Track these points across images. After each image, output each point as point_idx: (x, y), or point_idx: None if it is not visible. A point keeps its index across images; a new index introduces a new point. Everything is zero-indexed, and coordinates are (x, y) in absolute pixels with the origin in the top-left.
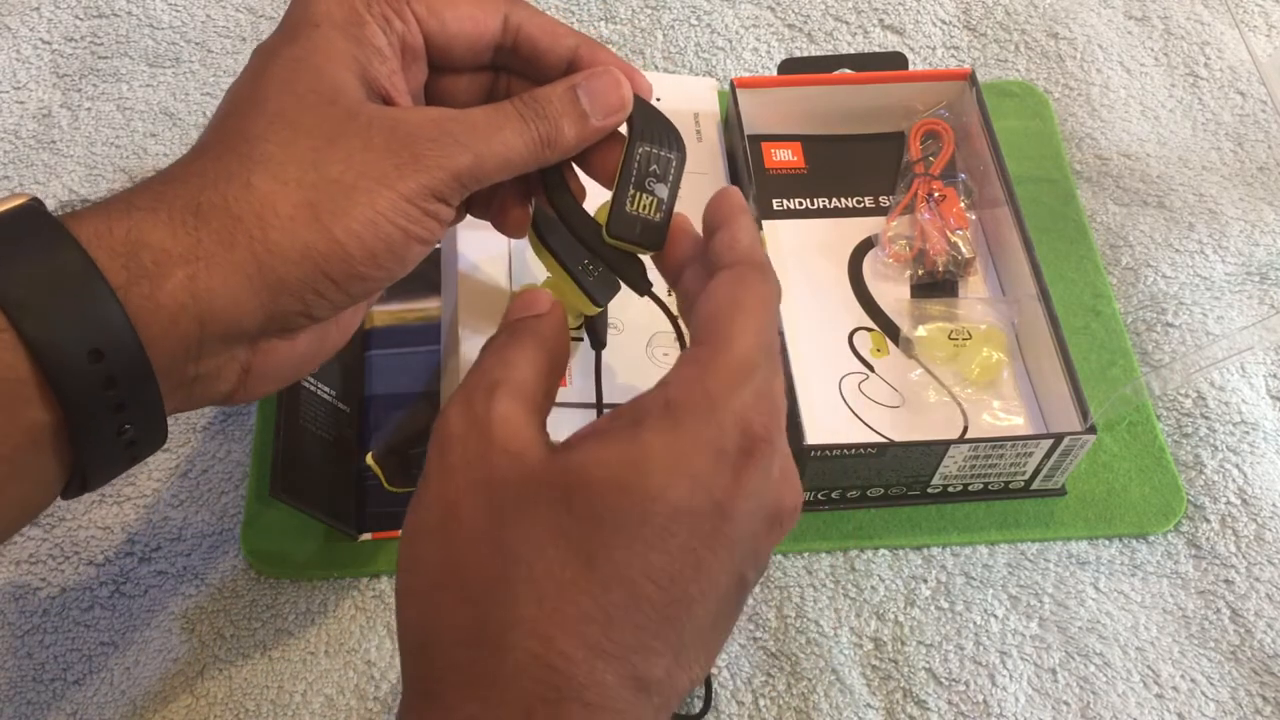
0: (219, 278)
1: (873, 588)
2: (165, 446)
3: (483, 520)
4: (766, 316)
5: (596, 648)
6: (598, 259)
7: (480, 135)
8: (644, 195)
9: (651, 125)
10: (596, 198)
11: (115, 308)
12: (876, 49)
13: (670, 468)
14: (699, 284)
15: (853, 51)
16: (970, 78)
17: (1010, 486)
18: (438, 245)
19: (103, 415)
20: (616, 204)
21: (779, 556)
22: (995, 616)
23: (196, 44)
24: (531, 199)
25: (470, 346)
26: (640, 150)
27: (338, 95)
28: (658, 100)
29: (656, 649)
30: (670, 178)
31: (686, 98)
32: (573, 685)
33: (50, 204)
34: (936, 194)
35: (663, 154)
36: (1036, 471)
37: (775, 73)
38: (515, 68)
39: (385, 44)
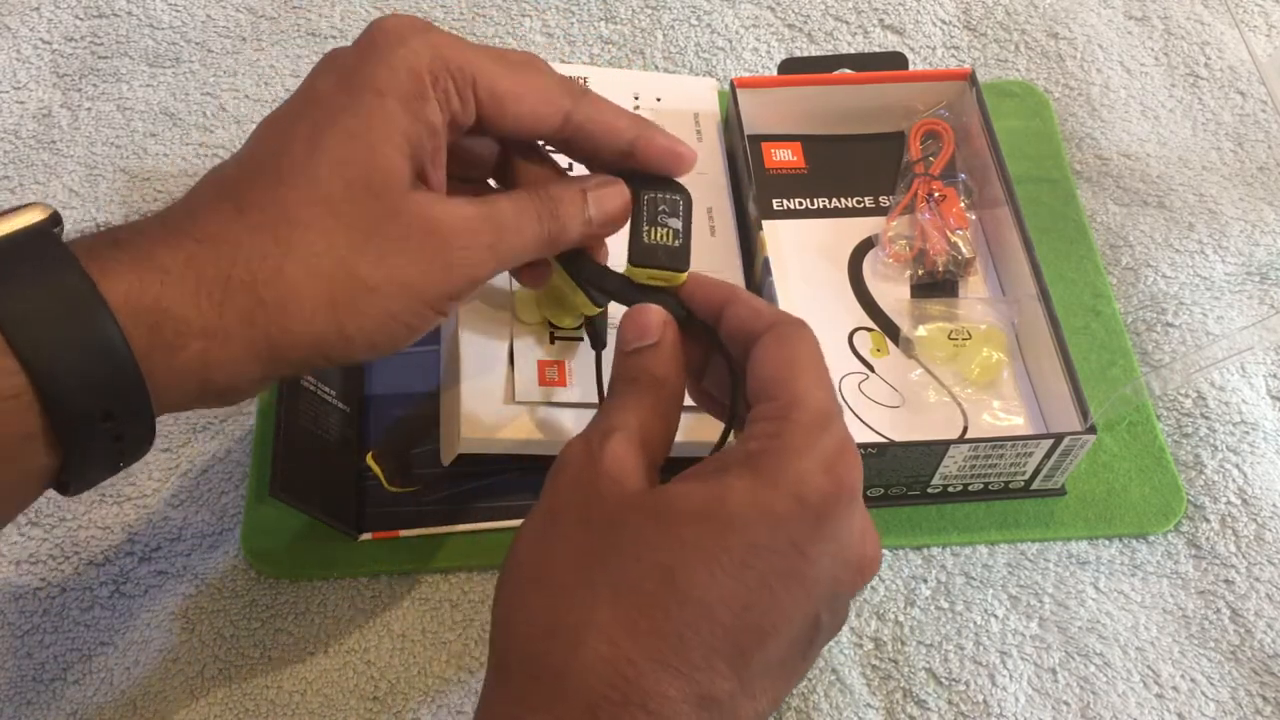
0: (231, 353)
1: (873, 588)
2: (165, 446)
3: (578, 529)
4: (824, 369)
5: (663, 661)
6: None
7: (508, 237)
8: (658, 229)
9: (655, 180)
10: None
11: (135, 377)
12: (876, 49)
13: (750, 506)
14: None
15: (853, 51)
16: (970, 78)
17: (1010, 486)
18: None
19: (105, 456)
20: (634, 239)
21: None
22: (995, 616)
23: (196, 44)
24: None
25: (470, 347)
26: (647, 197)
27: (385, 187)
28: (658, 100)
29: (723, 671)
30: (680, 213)
31: (686, 98)
32: (637, 692)
33: (50, 204)
34: (936, 194)
35: (669, 196)
36: (1036, 471)
37: (775, 73)
38: (564, 151)
39: (439, 121)
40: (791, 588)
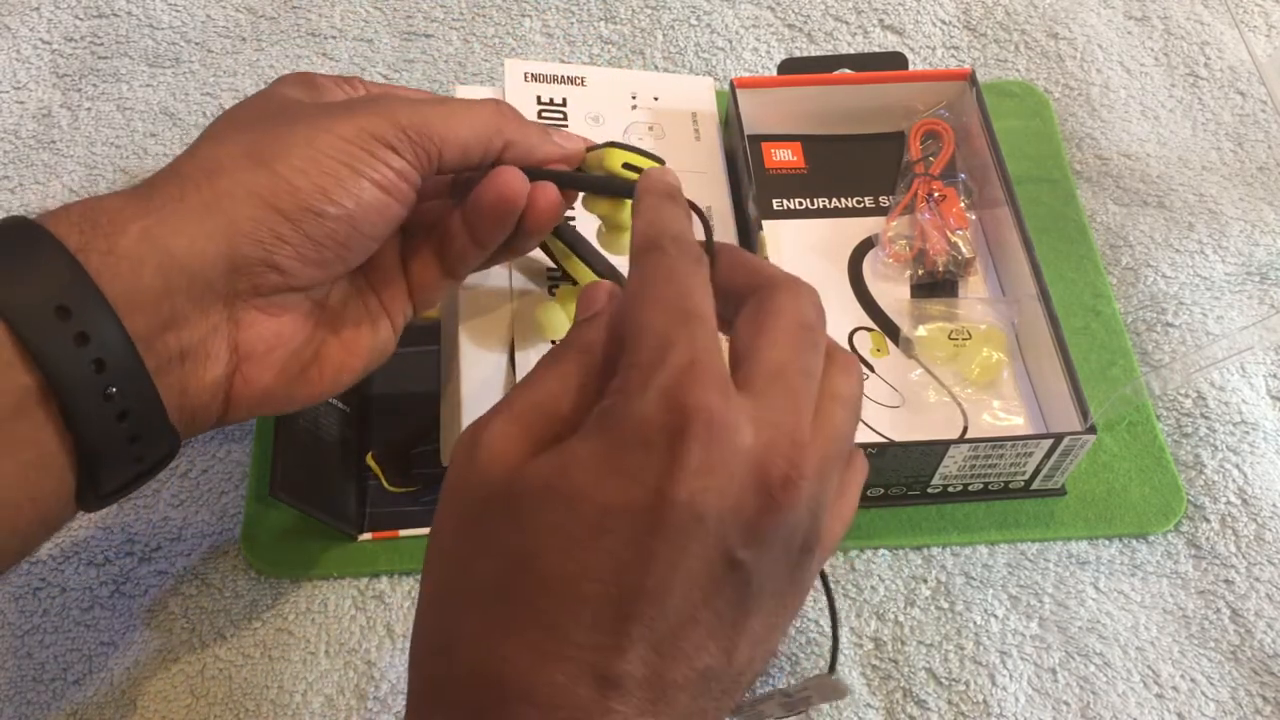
0: (173, 224)
1: (873, 588)
2: None
3: (449, 538)
4: (787, 330)
5: (540, 650)
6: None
7: (423, 101)
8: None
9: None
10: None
11: (72, 262)
12: (876, 49)
13: (597, 468)
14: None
15: (853, 51)
16: (970, 78)
17: (1010, 486)
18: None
19: (84, 374)
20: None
21: None
22: (995, 616)
23: (196, 44)
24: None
25: (470, 346)
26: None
27: (283, 96)
28: (655, 99)
29: (621, 645)
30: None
31: (684, 97)
32: (518, 688)
33: (50, 205)
34: (936, 194)
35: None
36: (1036, 471)
37: (775, 73)
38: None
39: (336, 91)
40: (670, 537)
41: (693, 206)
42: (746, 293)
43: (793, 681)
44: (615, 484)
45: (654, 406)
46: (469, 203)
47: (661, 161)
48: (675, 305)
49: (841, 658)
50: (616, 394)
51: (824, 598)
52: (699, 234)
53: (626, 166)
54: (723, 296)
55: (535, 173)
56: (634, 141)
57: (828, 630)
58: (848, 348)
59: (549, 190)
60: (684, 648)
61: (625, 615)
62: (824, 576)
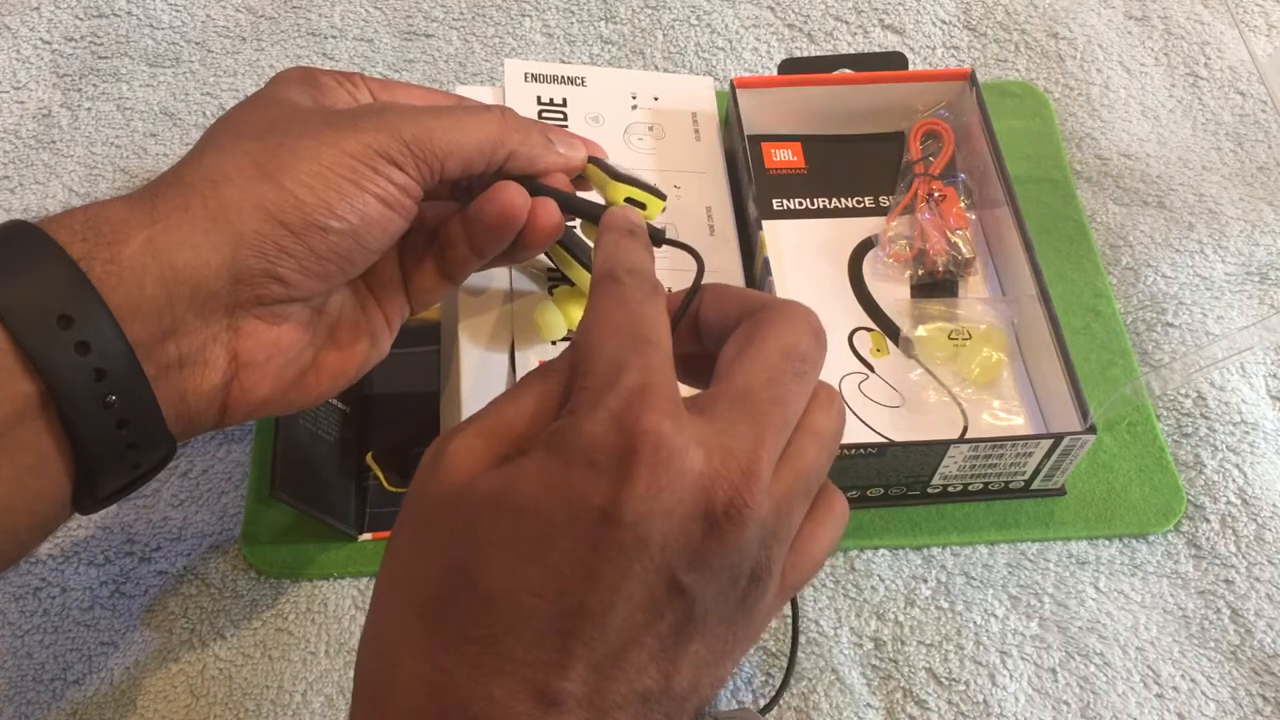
0: (176, 235)
1: (873, 588)
2: None
3: (402, 544)
4: (769, 354)
5: (479, 664)
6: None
7: (426, 111)
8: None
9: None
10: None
11: (75, 271)
12: (876, 49)
13: (543, 485)
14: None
15: (853, 51)
16: (970, 78)
17: (1010, 486)
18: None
19: (84, 382)
20: (610, 172)
21: None
22: (995, 616)
23: (196, 44)
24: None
25: (470, 346)
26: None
27: (285, 100)
28: (655, 99)
29: (561, 662)
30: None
31: (684, 97)
32: (456, 699)
33: (50, 205)
34: (936, 194)
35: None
36: (1036, 471)
37: (775, 73)
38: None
39: (338, 90)
40: (613, 557)
41: (686, 248)
42: (741, 319)
43: (793, 680)
44: (560, 502)
45: (603, 428)
46: (469, 214)
47: (663, 197)
48: (628, 331)
49: (841, 658)
50: (568, 415)
51: (822, 598)
52: (681, 267)
53: (629, 201)
54: (716, 333)
55: (536, 187)
56: (634, 142)
57: (829, 630)
58: (847, 348)
59: (550, 208)
60: (624, 668)
61: (566, 632)
62: (794, 607)
